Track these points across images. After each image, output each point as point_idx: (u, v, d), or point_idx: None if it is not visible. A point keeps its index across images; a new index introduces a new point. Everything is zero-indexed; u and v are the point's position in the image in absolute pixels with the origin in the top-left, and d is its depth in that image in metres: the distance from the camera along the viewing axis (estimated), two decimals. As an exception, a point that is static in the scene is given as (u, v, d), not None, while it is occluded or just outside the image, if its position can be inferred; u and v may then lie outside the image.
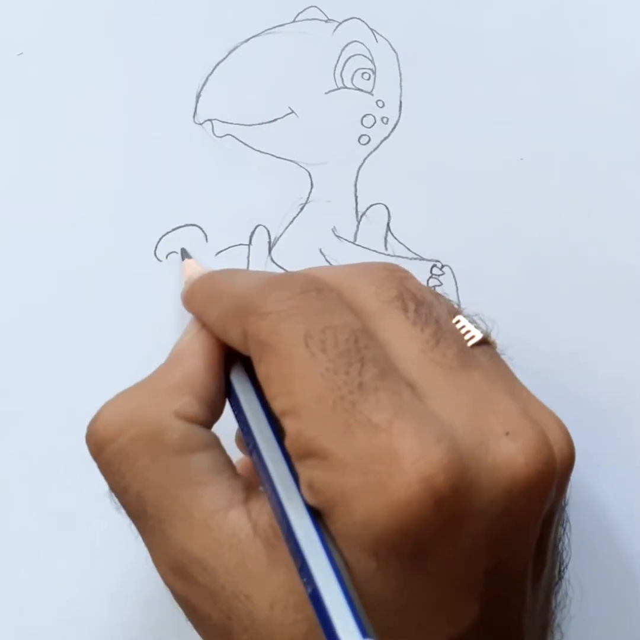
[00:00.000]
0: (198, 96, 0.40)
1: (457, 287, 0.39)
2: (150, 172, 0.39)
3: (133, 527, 0.31)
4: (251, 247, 0.39)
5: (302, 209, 0.39)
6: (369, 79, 0.40)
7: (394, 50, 0.40)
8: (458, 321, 0.31)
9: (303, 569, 0.27)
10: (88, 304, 0.39)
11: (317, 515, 0.28)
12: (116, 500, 0.31)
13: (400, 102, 0.40)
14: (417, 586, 0.28)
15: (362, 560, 0.27)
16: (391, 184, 0.40)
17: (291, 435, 0.28)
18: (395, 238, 0.39)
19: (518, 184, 0.40)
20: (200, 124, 0.40)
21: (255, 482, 0.30)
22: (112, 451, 0.30)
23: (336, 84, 0.40)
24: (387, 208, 0.40)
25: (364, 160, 0.40)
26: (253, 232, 0.39)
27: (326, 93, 0.40)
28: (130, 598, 0.39)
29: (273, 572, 0.28)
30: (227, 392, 0.32)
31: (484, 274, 0.40)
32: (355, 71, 0.40)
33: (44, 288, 0.39)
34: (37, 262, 0.39)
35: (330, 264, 0.39)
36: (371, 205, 0.40)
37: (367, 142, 0.40)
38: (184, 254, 0.39)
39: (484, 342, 0.31)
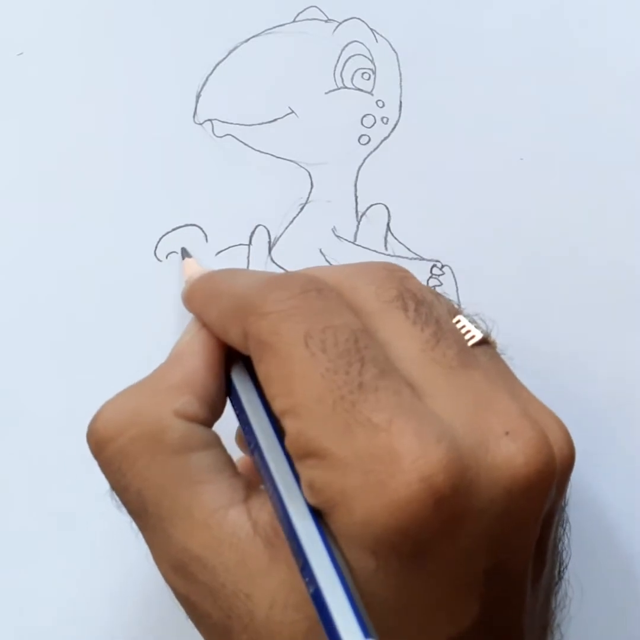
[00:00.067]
0: (198, 96, 0.40)
1: (457, 287, 0.39)
2: (150, 172, 0.39)
3: (133, 525, 0.31)
4: (251, 247, 0.39)
5: (302, 209, 0.39)
6: (369, 79, 0.40)
7: (394, 50, 0.40)
8: (458, 321, 0.31)
9: (305, 568, 0.27)
10: (88, 304, 0.39)
11: (318, 515, 0.28)
12: (117, 498, 0.31)
13: (400, 102, 0.40)
14: (417, 586, 0.28)
15: (362, 560, 0.27)
16: (391, 184, 0.40)
17: (291, 435, 0.28)
18: (395, 238, 0.39)
19: (518, 184, 0.40)
20: (200, 124, 0.40)
21: (255, 481, 0.30)
22: (112, 450, 0.30)
23: (336, 84, 0.40)
24: (387, 208, 0.40)
25: (364, 160, 0.40)
26: (253, 232, 0.39)
27: (326, 93, 0.40)
28: (130, 598, 0.39)
29: (273, 571, 0.28)
30: (228, 392, 0.32)
31: (484, 274, 0.40)
32: (355, 71, 0.40)
33: (44, 288, 0.39)
34: (37, 262, 0.39)
35: (330, 264, 0.39)
36: (371, 205, 0.40)
37: (367, 142, 0.40)
38: (184, 254, 0.39)
39: (484, 342, 0.31)
